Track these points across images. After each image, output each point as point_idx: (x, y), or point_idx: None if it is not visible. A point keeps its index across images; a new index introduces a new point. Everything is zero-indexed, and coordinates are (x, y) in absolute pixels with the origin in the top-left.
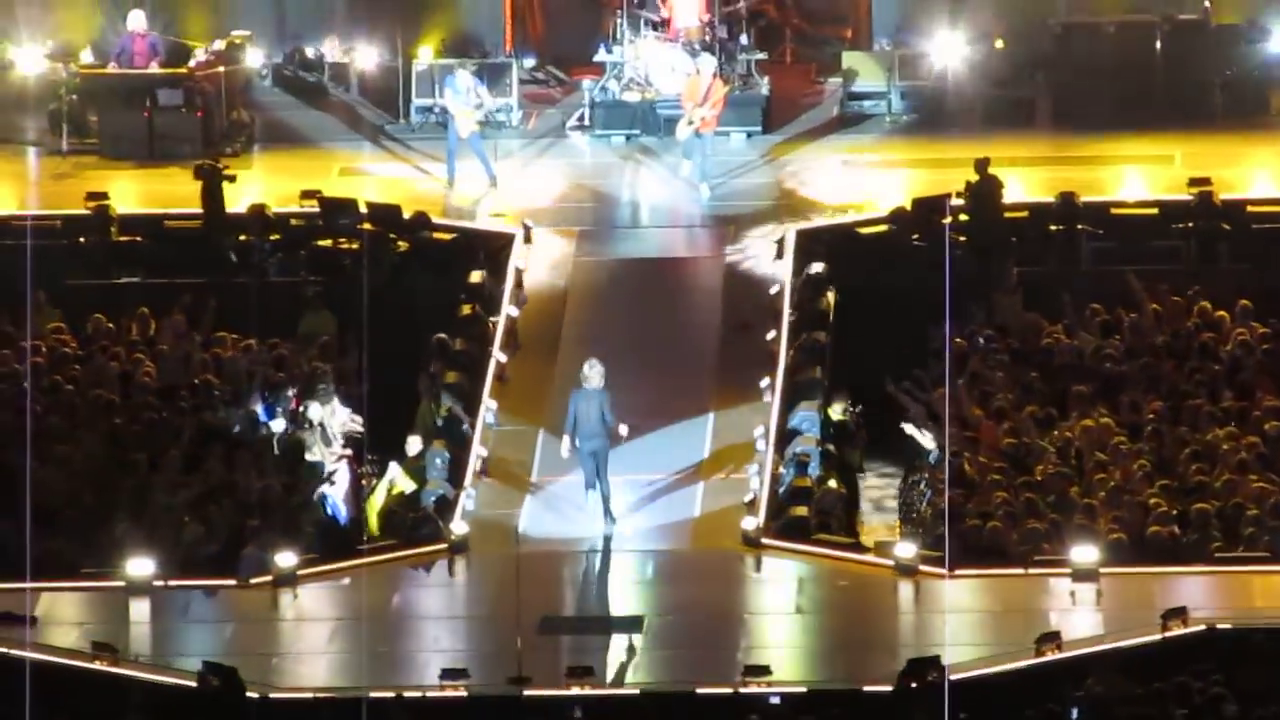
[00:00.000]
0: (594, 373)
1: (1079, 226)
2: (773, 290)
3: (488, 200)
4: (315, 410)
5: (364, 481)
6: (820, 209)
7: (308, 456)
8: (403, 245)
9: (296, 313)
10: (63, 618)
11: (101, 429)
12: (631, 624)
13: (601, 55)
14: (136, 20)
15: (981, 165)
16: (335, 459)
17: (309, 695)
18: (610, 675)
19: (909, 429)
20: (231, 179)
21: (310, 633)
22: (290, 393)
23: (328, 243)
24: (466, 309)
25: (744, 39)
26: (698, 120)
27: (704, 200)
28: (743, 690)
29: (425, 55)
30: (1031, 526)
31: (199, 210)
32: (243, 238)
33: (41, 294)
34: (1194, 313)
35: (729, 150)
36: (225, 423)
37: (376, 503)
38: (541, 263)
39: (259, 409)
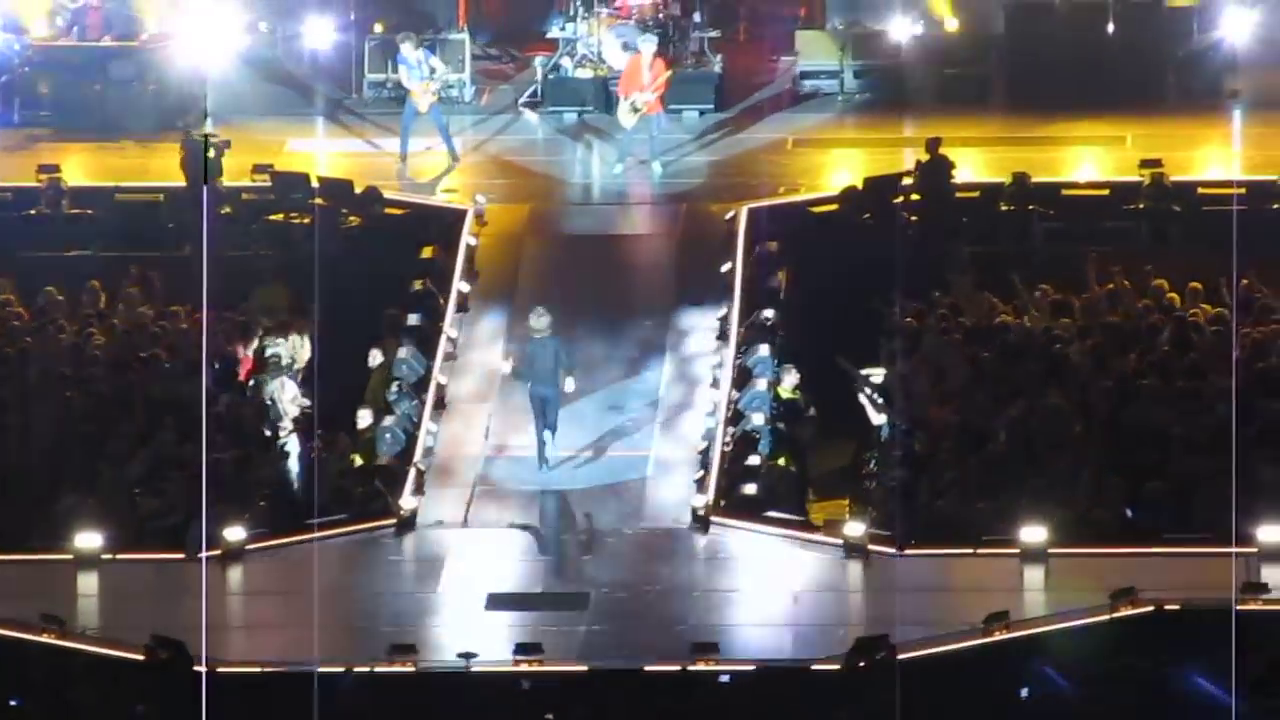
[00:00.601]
0: (542, 322)
1: (1030, 207)
2: (724, 268)
3: (441, 175)
4: (267, 386)
5: (314, 455)
6: (772, 187)
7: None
8: (355, 220)
9: (248, 286)
10: (11, 590)
11: (52, 401)
12: (578, 600)
13: (555, 32)
14: None
15: (933, 145)
16: (286, 433)
17: (258, 670)
18: (558, 652)
19: (862, 399)
20: (226, 145)
21: (259, 607)
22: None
23: (279, 217)
24: (418, 284)
25: (698, 16)
26: (643, 105)
27: (656, 178)
28: (691, 668)
29: (378, 30)
30: (981, 506)
31: (153, 183)
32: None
33: None
34: (1146, 294)
35: (682, 128)
36: (176, 395)
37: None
38: (493, 239)
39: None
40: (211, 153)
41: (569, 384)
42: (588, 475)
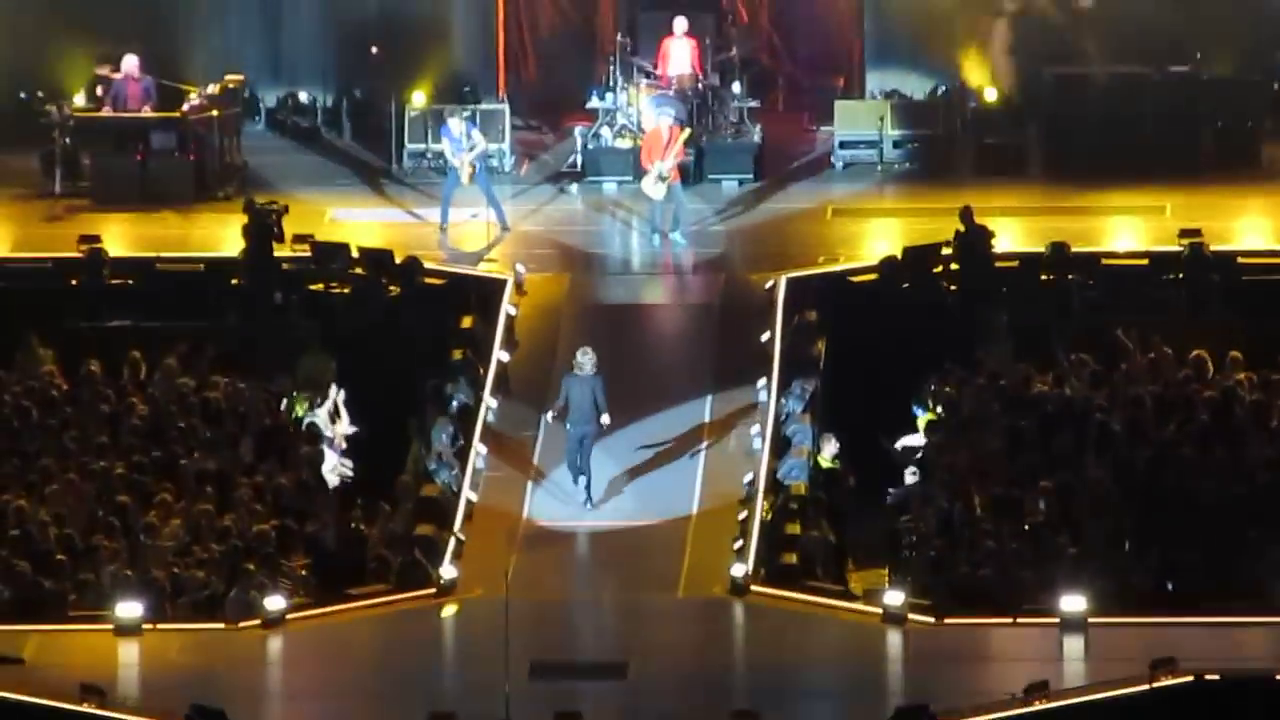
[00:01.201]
0: (586, 359)
1: (1070, 276)
2: (763, 338)
3: (491, 244)
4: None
5: (353, 524)
6: (811, 257)
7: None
8: (395, 289)
9: (291, 356)
10: (51, 660)
11: (93, 471)
12: (618, 669)
13: (594, 102)
14: (130, 64)
15: (966, 215)
16: (325, 503)
17: None
18: None
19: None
20: (284, 211)
21: (299, 676)
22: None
23: (320, 287)
24: (458, 354)
25: (736, 86)
26: (668, 173)
27: (680, 247)
28: None
29: (419, 100)
30: (1020, 575)
31: (194, 254)
32: (234, 281)
33: (34, 336)
34: (1186, 363)
35: (722, 197)
36: (216, 465)
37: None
38: (533, 308)
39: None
40: (272, 217)
41: (605, 419)
42: (627, 543)
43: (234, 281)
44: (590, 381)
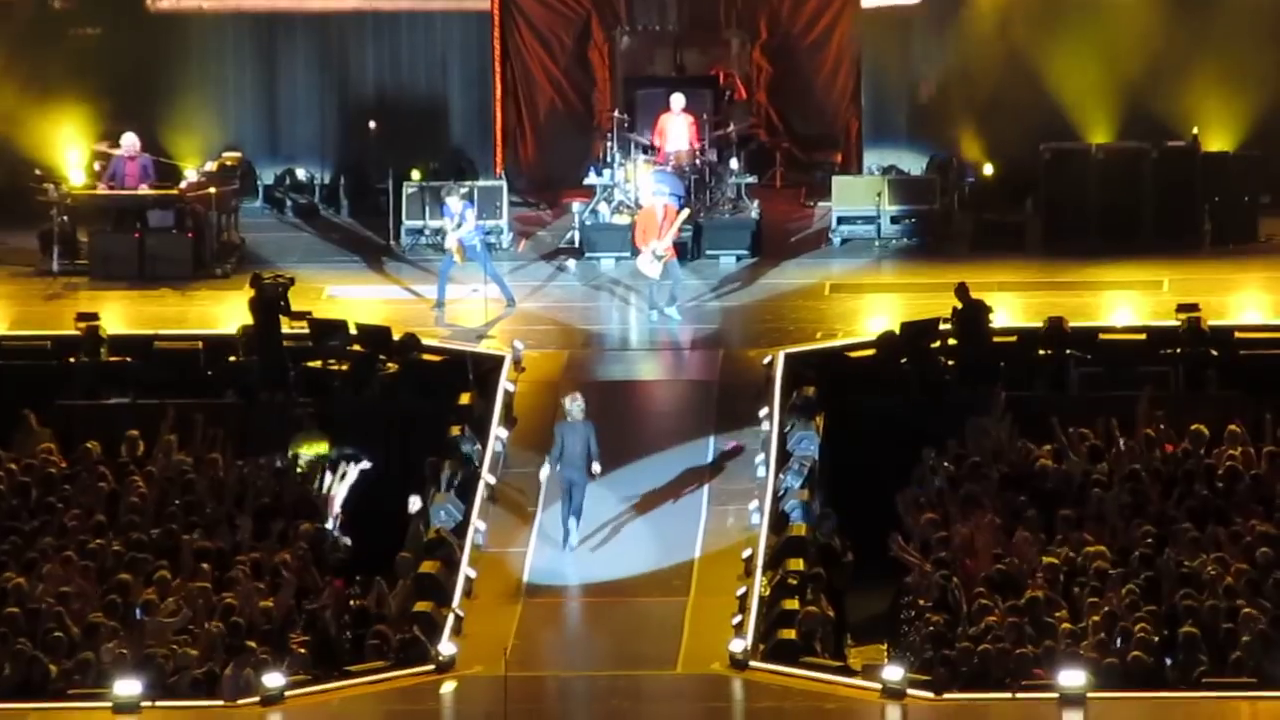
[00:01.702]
0: (575, 406)
1: (1067, 352)
2: (761, 414)
3: (496, 319)
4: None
5: (352, 602)
6: (809, 333)
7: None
8: (392, 367)
9: (286, 433)
10: None
11: (90, 549)
12: None
13: (592, 179)
14: (129, 142)
15: (962, 291)
16: (323, 578)
17: None
18: None
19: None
20: (290, 284)
21: None
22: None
23: (317, 364)
24: (456, 430)
25: (734, 162)
26: (664, 253)
27: (675, 324)
28: None
29: (416, 177)
30: (1020, 652)
31: (192, 331)
32: (232, 359)
33: (30, 414)
34: (1184, 439)
35: (719, 273)
36: (214, 543)
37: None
38: (531, 385)
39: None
40: (280, 290)
41: (595, 468)
42: (627, 618)
43: (231, 359)
44: (582, 429)
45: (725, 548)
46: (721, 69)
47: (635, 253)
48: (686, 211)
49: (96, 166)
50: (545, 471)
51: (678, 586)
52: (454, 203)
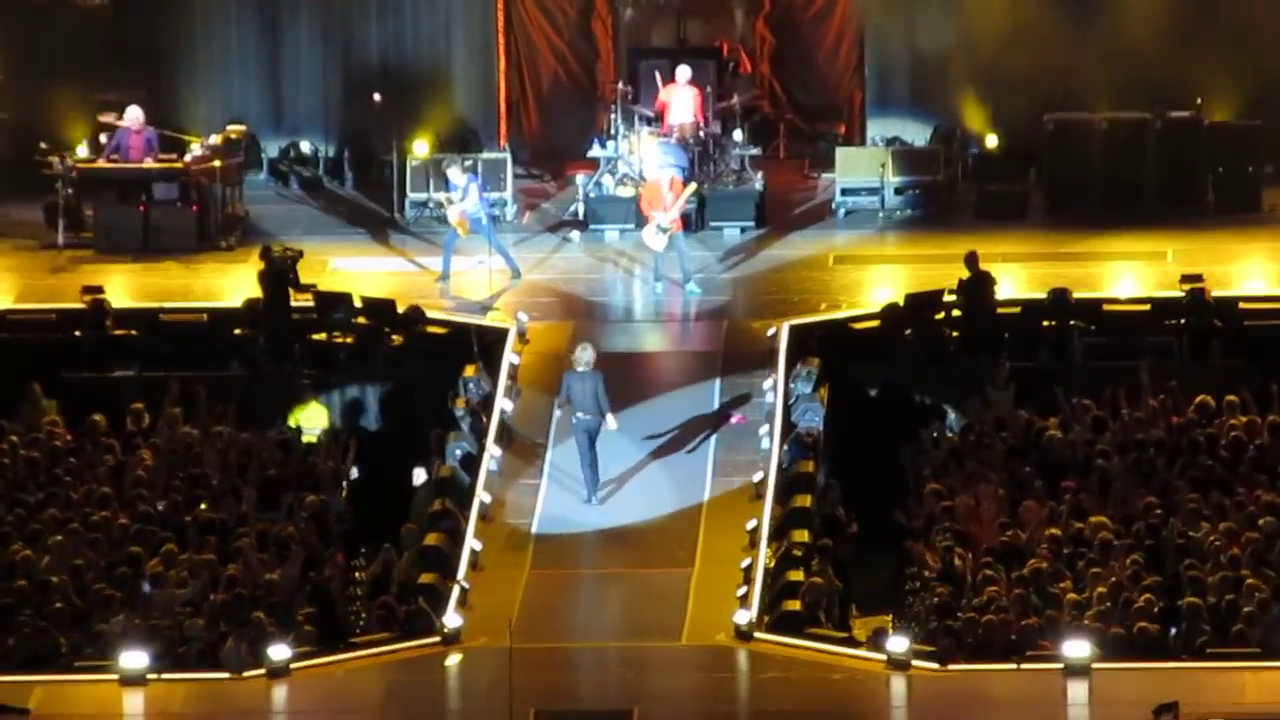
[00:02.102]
0: (585, 354)
1: (1071, 323)
2: (765, 385)
3: (501, 292)
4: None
5: (356, 573)
6: (814, 304)
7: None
8: (397, 339)
9: (290, 406)
10: (57, 710)
11: (96, 521)
12: (622, 718)
13: (596, 150)
14: (133, 115)
15: (971, 260)
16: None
17: None
18: None
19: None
20: (299, 257)
21: None
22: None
23: (322, 336)
24: (460, 403)
25: (738, 134)
26: (669, 225)
27: (692, 296)
28: None
29: (420, 150)
30: (1024, 622)
31: (197, 304)
32: (237, 331)
33: (36, 386)
34: (1189, 409)
35: (723, 245)
36: (220, 515)
37: None
38: (536, 356)
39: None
40: (289, 264)
41: (610, 421)
42: (632, 589)
43: (236, 331)
44: (591, 378)
45: (730, 519)
46: (725, 41)
47: (641, 224)
48: (693, 185)
49: (101, 138)
50: (557, 409)
51: (682, 557)
52: (456, 174)
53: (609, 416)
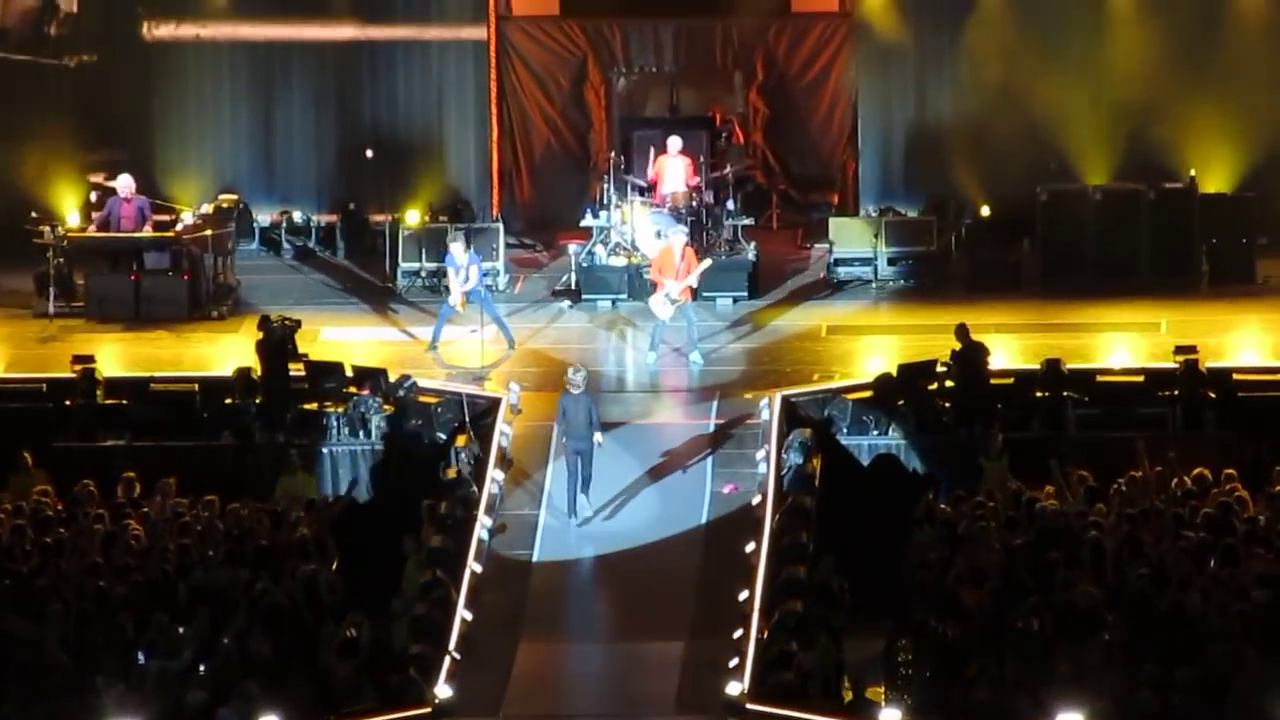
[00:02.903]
0: (578, 377)
1: (1065, 393)
2: (758, 455)
3: (498, 362)
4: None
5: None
6: (806, 374)
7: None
8: (389, 408)
9: (281, 474)
10: None
11: (88, 590)
12: None
13: (588, 220)
14: (124, 183)
15: (962, 332)
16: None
17: None
18: None
19: None
20: (298, 326)
21: None
22: None
23: (313, 406)
24: (452, 472)
25: (731, 204)
26: (678, 296)
27: (695, 367)
28: None
29: (412, 219)
30: (1015, 692)
31: (188, 374)
32: (228, 400)
33: (27, 455)
34: (1182, 480)
35: (716, 315)
36: (211, 584)
37: None
38: (527, 427)
39: None
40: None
41: (598, 437)
42: (623, 660)
43: (228, 400)
44: (584, 399)
45: (722, 589)
46: (718, 110)
47: (650, 290)
48: (709, 262)
49: (92, 197)
50: (556, 434)
51: (674, 628)
52: (458, 251)
53: (597, 434)
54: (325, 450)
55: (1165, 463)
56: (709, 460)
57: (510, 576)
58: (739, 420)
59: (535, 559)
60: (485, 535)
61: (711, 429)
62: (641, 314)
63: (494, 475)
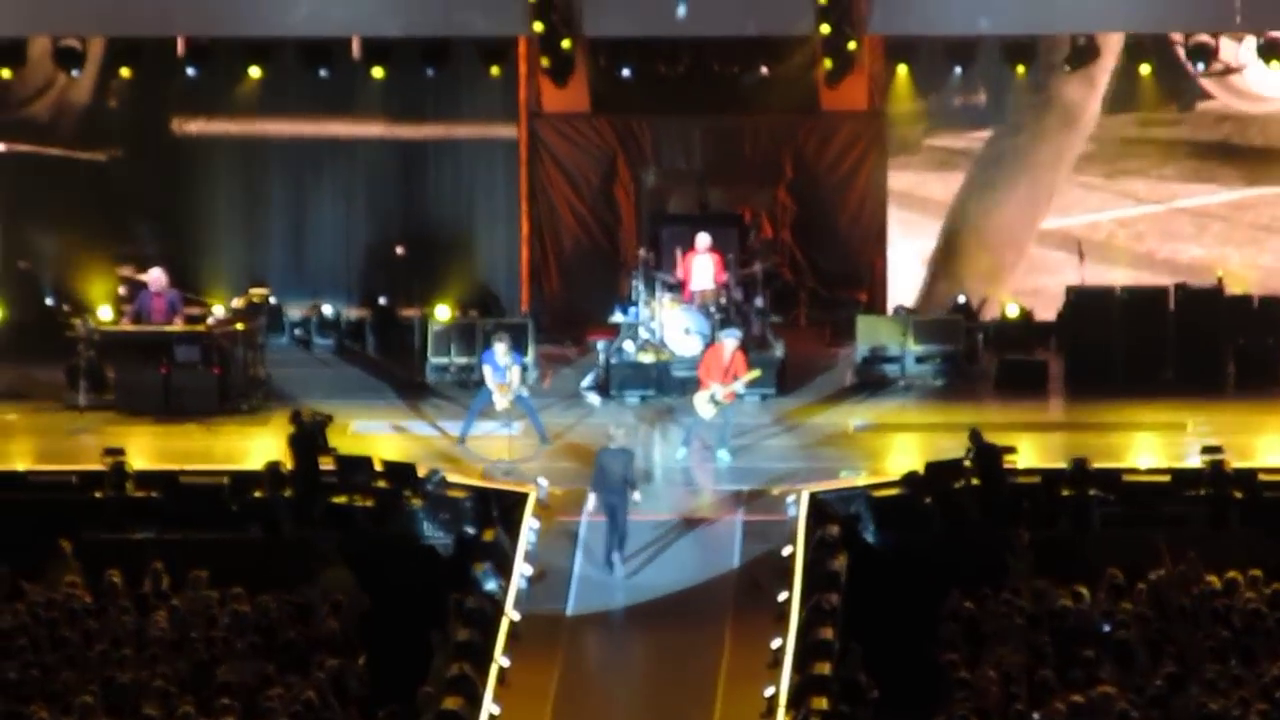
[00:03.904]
0: (619, 433)
1: (1091, 492)
2: (785, 552)
3: (529, 457)
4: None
5: None
6: (833, 471)
7: None
8: (417, 502)
9: (311, 567)
10: None
11: (116, 682)
12: None
13: (617, 316)
14: (155, 277)
15: (975, 437)
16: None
17: None
18: None
19: None
20: (329, 421)
21: None
22: None
23: (343, 499)
24: (480, 567)
25: (759, 301)
26: (722, 398)
27: (723, 465)
28: None
29: (442, 314)
30: None
31: (218, 467)
32: (258, 494)
33: (66, 545)
34: (1207, 579)
35: (744, 412)
36: (239, 677)
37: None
38: (555, 521)
39: None
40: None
41: (636, 496)
42: None
43: (257, 493)
44: (622, 455)
45: (748, 685)
46: (746, 207)
47: (696, 387)
48: (757, 373)
49: (121, 291)
50: (591, 502)
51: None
52: (500, 351)
53: (635, 493)
54: (354, 543)
55: (1188, 562)
56: (735, 553)
57: (537, 672)
58: (766, 515)
59: (562, 655)
60: (513, 630)
61: (739, 525)
62: (672, 410)
63: (521, 570)
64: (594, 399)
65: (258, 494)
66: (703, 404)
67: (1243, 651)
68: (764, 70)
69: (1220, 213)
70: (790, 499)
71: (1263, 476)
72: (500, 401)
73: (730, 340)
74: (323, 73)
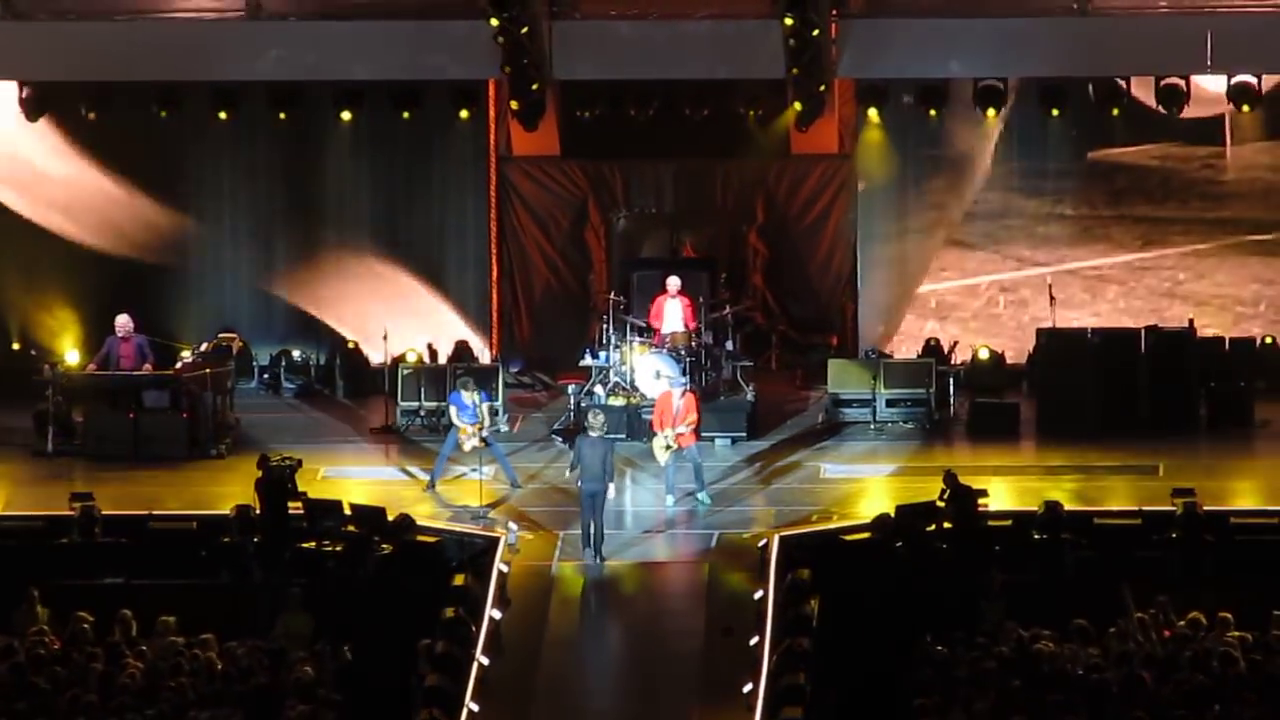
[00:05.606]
0: (598, 421)
1: (1063, 535)
2: (756, 596)
3: (497, 502)
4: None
5: None
6: (804, 515)
7: None
8: (387, 547)
9: (278, 613)
10: None
11: None
12: None
13: (587, 360)
14: (123, 323)
15: (950, 479)
16: None
17: None
18: None
19: None
20: (298, 466)
21: None
22: None
23: (312, 545)
24: (450, 612)
25: (730, 345)
26: (673, 442)
27: (701, 509)
28: None
29: (412, 358)
30: None
31: (187, 512)
32: (226, 539)
33: (35, 592)
34: (1179, 624)
35: (715, 456)
36: None
37: None
38: (525, 566)
39: None
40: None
41: (611, 492)
42: None
43: (225, 539)
44: (602, 444)
45: None
46: (717, 252)
47: (652, 435)
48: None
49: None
50: (571, 477)
51: None
52: (469, 398)
53: (610, 486)
54: (322, 589)
55: (1157, 606)
56: (704, 599)
57: (509, 714)
58: (736, 560)
59: (534, 701)
60: (482, 672)
61: (708, 569)
62: (641, 454)
63: (491, 614)
64: (564, 445)
65: (226, 540)
66: (658, 448)
67: (1215, 696)
68: (736, 113)
69: None
70: (760, 543)
71: (1235, 520)
72: (468, 442)
73: (678, 387)
74: (287, 116)
